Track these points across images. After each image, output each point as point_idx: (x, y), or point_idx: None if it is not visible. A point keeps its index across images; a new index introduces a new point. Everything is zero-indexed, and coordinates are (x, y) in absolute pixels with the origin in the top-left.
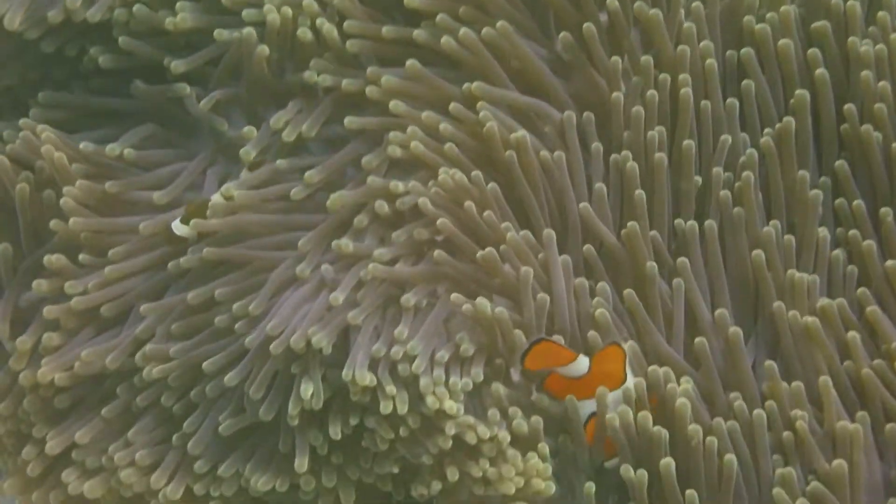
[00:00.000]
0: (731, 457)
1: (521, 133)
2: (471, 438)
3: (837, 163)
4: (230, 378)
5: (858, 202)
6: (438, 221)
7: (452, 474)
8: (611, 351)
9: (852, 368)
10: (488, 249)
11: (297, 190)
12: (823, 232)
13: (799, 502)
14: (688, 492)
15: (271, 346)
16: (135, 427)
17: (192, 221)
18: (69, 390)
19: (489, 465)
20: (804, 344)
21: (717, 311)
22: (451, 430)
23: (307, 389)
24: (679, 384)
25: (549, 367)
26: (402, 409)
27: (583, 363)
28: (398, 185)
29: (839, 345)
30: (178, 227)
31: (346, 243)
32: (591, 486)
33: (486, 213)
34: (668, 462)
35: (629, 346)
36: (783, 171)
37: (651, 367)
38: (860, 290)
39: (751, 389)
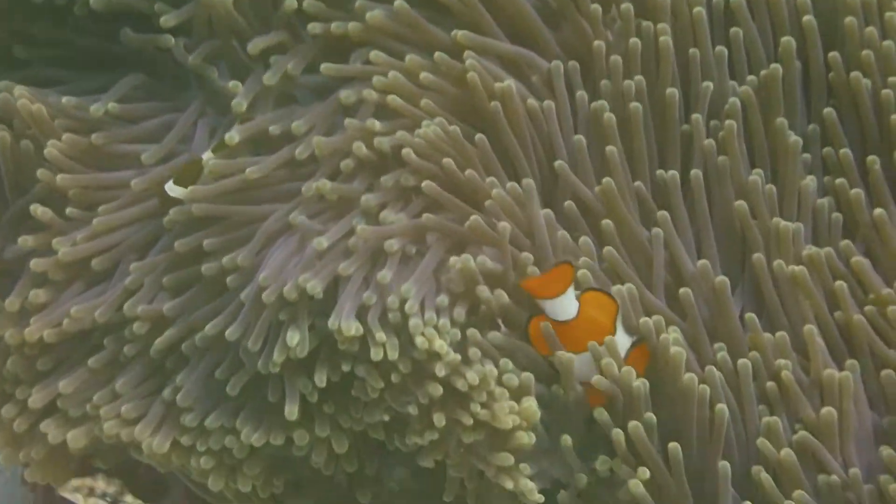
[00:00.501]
0: (722, 406)
1: (508, 83)
2: (461, 385)
3: (826, 110)
4: (231, 332)
5: (845, 150)
6: (424, 184)
7: (439, 420)
8: (600, 297)
9: (840, 318)
10: (474, 218)
11: (299, 150)
12: (807, 180)
13: (783, 452)
14: (670, 445)
15: (263, 296)
16: (121, 378)
17: (189, 189)
18: (56, 347)
19: (480, 408)
20: (790, 293)
21: (700, 262)
22: (441, 371)
23: (293, 338)
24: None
25: (536, 296)
26: (393, 354)
27: (570, 303)
28: (375, 123)
29: (826, 294)
30: (172, 189)
31: (324, 182)
32: (567, 440)
33: (467, 172)
34: (635, 425)
35: (627, 288)
36: (768, 119)
37: (642, 319)
38: (844, 241)
39: (738, 339)
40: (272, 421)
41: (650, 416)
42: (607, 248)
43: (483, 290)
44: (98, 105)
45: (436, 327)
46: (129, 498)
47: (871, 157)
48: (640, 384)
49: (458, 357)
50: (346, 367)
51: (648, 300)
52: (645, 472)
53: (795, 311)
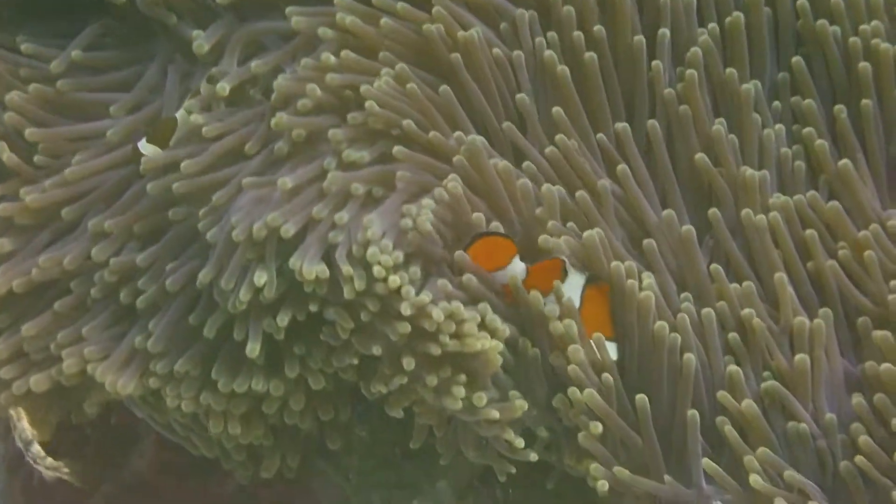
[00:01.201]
0: (689, 356)
1: (472, 32)
2: (429, 326)
3: (794, 59)
4: (203, 274)
5: (809, 101)
6: (395, 149)
7: (409, 364)
8: (549, 264)
9: (811, 267)
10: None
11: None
12: (767, 130)
13: (745, 404)
14: (638, 398)
15: (233, 234)
16: (89, 323)
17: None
18: (24, 297)
19: (448, 338)
20: (759, 242)
21: (665, 212)
22: (406, 310)
23: (260, 277)
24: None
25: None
26: (360, 285)
27: (517, 266)
28: (329, 57)
29: (795, 243)
30: (145, 147)
31: (286, 118)
32: (522, 405)
33: (431, 134)
34: (589, 393)
35: (597, 233)
36: (735, 68)
37: (613, 263)
38: (811, 193)
39: (706, 289)
40: (244, 366)
41: (607, 377)
42: (579, 193)
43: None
44: (58, 61)
45: (391, 258)
46: (35, 448)
47: (837, 107)
48: (598, 337)
49: (426, 298)
50: (313, 308)
51: (616, 249)
52: (597, 427)
53: (764, 261)
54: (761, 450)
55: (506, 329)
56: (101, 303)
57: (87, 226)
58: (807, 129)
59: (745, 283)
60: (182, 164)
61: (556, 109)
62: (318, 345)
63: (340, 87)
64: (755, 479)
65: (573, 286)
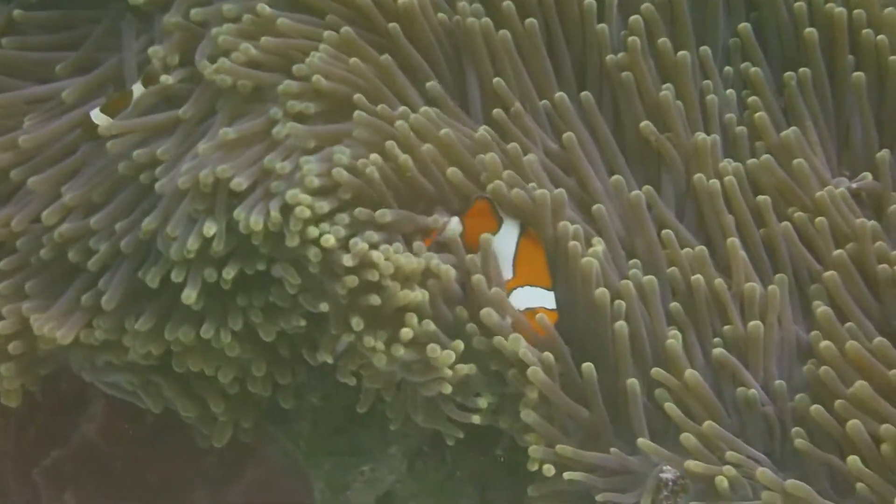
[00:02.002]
0: (621, 323)
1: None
2: (372, 276)
3: (741, 25)
4: (148, 222)
5: (756, 69)
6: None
7: (357, 324)
8: (478, 204)
9: (764, 234)
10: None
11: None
12: (710, 96)
13: (687, 373)
14: (584, 366)
15: (179, 182)
16: (32, 280)
17: (111, 123)
18: None
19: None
20: (711, 207)
21: (614, 178)
22: (349, 261)
23: (209, 228)
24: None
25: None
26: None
27: (454, 224)
28: (265, 7)
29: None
30: (98, 117)
31: (229, 65)
32: (451, 352)
33: (379, 107)
34: (533, 370)
35: (542, 192)
36: (678, 35)
37: (561, 223)
38: (765, 156)
39: (656, 255)
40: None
41: (548, 355)
42: (527, 157)
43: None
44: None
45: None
46: None
47: (787, 74)
48: (541, 317)
49: (365, 245)
50: (261, 267)
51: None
52: (533, 391)
53: (716, 226)
54: (707, 423)
55: (449, 269)
56: (49, 263)
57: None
58: (752, 98)
59: (697, 248)
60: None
61: (497, 80)
62: (264, 300)
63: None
64: (692, 464)
65: (508, 235)
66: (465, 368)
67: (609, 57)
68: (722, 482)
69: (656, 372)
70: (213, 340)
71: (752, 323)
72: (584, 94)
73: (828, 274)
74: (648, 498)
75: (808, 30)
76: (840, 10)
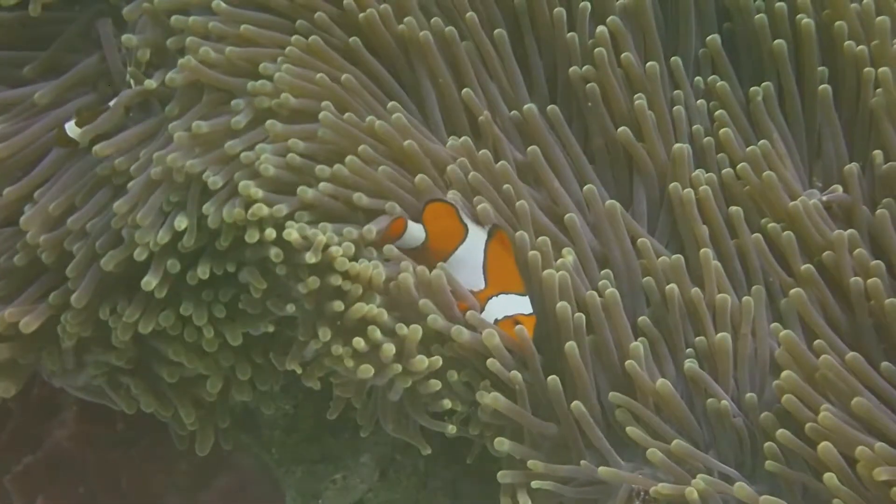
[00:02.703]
0: (570, 344)
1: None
2: (334, 280)
3: (710, 38)
4: (118, 205)
5: (723, 84)
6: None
7: (325, 334)
8: (438, 207)
9: (736, 245)
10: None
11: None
12: (677, 107)
13: (660, 384)
14: (549, 379)
15: (152, 173)
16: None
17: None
18: None
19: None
20: (685, 217)
21: (586, 187)
22: (311, 258)
23: (181, 222)
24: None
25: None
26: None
27: (415, 230)
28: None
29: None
30: (72, 130)
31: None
32: (453, 374)
33: (346, 115)
34: (493, 397)
35: (452, 196)
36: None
37: (519, 233)
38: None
39: (633, 265)
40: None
41: (515, 374)
42: (501, 163)
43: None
44: None
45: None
46: None
47: (753, 89)
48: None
49: (323, 238)
50: (230, 269)
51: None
52: (497, 399)
53: (689, 237)
54: (676, 443)
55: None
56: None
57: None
58: (719, 112)
59: (673, 258)
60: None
61: (466, 90)
62: (230, 297)
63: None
64: (661, 487)
65: (475, 243)
66: (431, 361)
67: (572, 69)
68: (692, 493)
69: (614, 396)
70: (188, 334)
71: (719, 335)
72: (550, 107)
73: (794, 291)
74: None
75: (777, 41)
76: (807, 20)
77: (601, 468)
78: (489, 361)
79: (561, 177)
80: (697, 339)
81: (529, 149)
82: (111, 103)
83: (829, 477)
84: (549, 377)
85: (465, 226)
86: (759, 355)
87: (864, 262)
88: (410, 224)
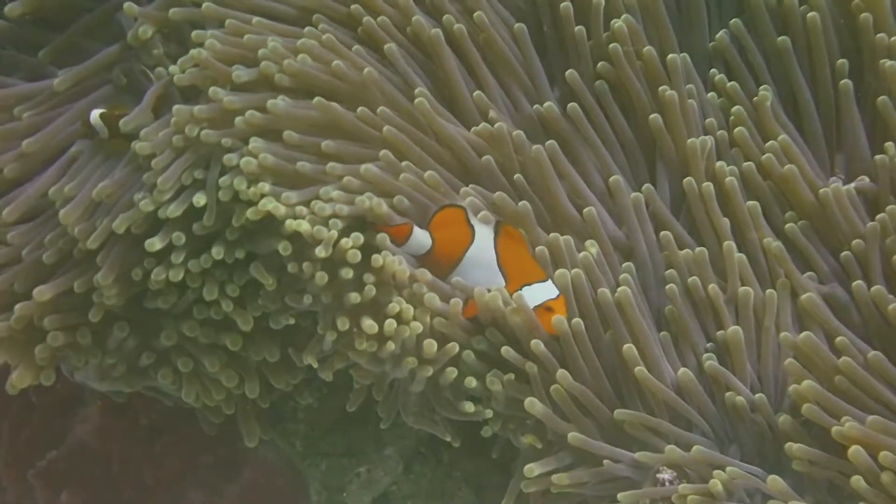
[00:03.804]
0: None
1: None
2: (346, 273)
3: (719, 34)
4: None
5: (733, 84)
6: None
7: (343, 324)
8: (447, 213)
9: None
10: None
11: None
12: (691, 101)
13: (681, 373)
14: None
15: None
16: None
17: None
18: None
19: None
20: (705, 210)
21: (612, 178)
22: (322, 252)
23: (200, 199)
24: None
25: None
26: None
27: (421, 237)
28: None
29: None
30: (96, 119)
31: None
32: (427, 371)
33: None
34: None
35: (469, 202)
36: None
37: (553, 234)
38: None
39: (657, 257)
40: None
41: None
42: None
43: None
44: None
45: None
46: None
47: (762, 87)
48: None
49: (333, 234)
50: (239, 255)
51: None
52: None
53: (708, 229)
54: (696, 449)
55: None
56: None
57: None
58: (735, 108)
59: (697, 250)
60: None
61: (478, 93)
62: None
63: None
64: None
65: (484, 244)
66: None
67: (600, 64)
68: (716, 485)
69: (619, 413)
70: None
71: (731, 328)
72: (570, 105)
73: (805, 297)
74: (646, 499)
75: (781, 38)
76: (812, 14)
77: (638, 454)
78: (503, 349)
79: (584, 170)
80: (718, 332)
81: (548, 143)
82: (139, 108)
83: (856, 480)
84: (558, 371)
85: (473, 228)
86: (783, 350)
87: None
88: (416, 231)
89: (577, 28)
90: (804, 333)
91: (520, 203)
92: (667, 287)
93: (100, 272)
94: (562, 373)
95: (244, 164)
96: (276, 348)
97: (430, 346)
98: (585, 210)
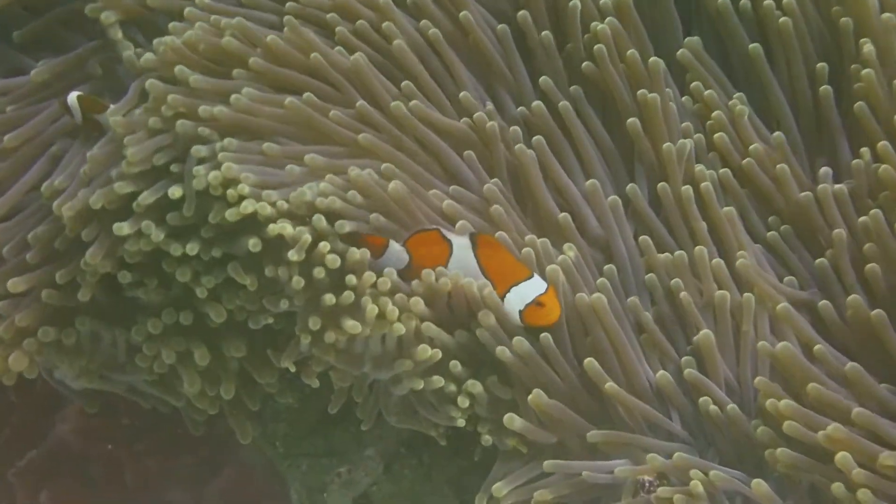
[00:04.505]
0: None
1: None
2: (318, 273)
3: (688, 39)
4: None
5: (710, 91)
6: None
7: (315, 323)
8: (422, 235)
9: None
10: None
11: None
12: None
13: (660, 376)
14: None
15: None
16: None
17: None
18: None
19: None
20: (683, 214)
21: (589, 182)
22: (294, 256)
23: (175, 191)
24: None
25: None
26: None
27: (398, 251)
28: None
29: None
30: (73, 101)
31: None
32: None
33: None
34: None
35: (460, 225)
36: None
37: (529, 237)
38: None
39: (636, 261)
40: None
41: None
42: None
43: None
44: None
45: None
46: None
47: (734, 104)
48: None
49: (307, 238)
50: (216, 254)
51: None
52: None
53: (683, 233)
54: (677, 455)
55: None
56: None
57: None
58: (716, 113)
59: (676, 254)
60: None
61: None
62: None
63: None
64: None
65: (464, 254)
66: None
67: (585, 64)
68: (697, 486)
69: (591, 435)
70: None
71: (702, 332)
72: (562, 104)
73: (781, 307)
74: (628, 499)
75: (753, 45)
76: (785, 19)
77: (618, 469)
78: (498, 350)
79: (570, 171)
80: (696, 337)
81: (535, 139)
82: (124, 99)
83: (837, 487)
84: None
85: (449, 241)
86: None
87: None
88: (392, 244)
89: (543, 33)
90: (782, 343)
91: (492, 208)
92: (649, 287)
93: (88, 251)
94: (536, 392)
95: (222, 159)
96: (243, 344)
97: (424, 351)
98: (560, 216)
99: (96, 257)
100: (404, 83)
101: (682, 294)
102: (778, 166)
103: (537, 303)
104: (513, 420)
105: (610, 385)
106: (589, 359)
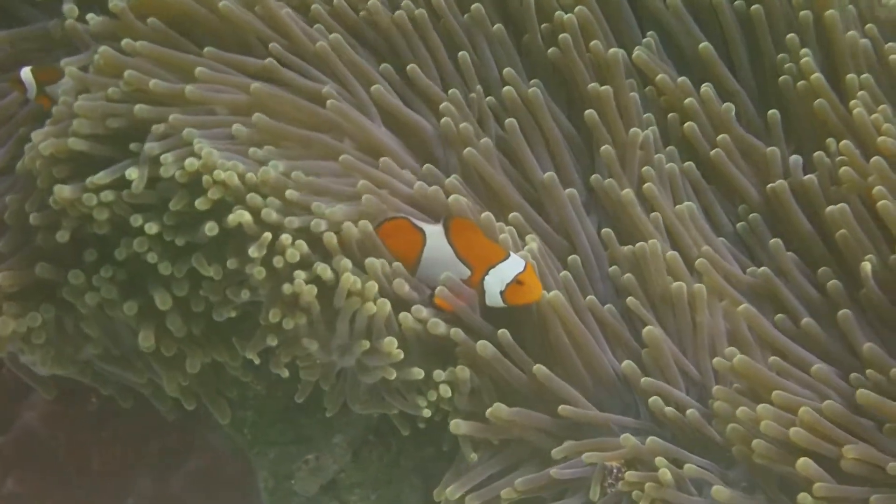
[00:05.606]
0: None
1: None
2: (291, 256)
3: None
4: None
5: (690, 100)
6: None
7: (275, 315)
8: (390, 224)
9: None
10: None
11: None
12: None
13: (625, 365)
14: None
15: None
16: None
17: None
18: None
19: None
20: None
21: (547, 174)
22: (255, 252)
23: (132, 172)
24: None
25: None
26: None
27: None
28: None
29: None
30: (27, 75)
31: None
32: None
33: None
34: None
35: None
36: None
37: (484, 214)
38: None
39: (597, 252)
40: None
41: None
42: (468, 150)
43: None
44: None
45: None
46: None
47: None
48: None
49: (267, 235)
50: (179, 242)
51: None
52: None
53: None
54: (650, 439)
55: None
56: None
57: None
58: (688, 101)
59: (637, 245)
60: None
61: (411, 66)
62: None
63: None
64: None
65: (437, 241)
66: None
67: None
68: (665, 475)
69: (556, 452)
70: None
71: (647, 328)
72: (532, 91)
73: (742, 307)
74: (596, 487)
75: (703, 45)
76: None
77: (586, 454)
78: (479, 344)
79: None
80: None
81: (507, 121)
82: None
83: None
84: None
85: (421, 230)
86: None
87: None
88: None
89: (496, 26)
90: (738, 357)
91: (450, 198)
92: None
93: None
94: (496, 406)
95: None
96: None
97: (391, 343)
98: (511, 215)
99: (63, 191)
100: (383, 65)
101: (629, 299)
102: (770, 149)
103: (517, 281)
104: (459, 426)
105: (562, 408)
106: (538, 365)
